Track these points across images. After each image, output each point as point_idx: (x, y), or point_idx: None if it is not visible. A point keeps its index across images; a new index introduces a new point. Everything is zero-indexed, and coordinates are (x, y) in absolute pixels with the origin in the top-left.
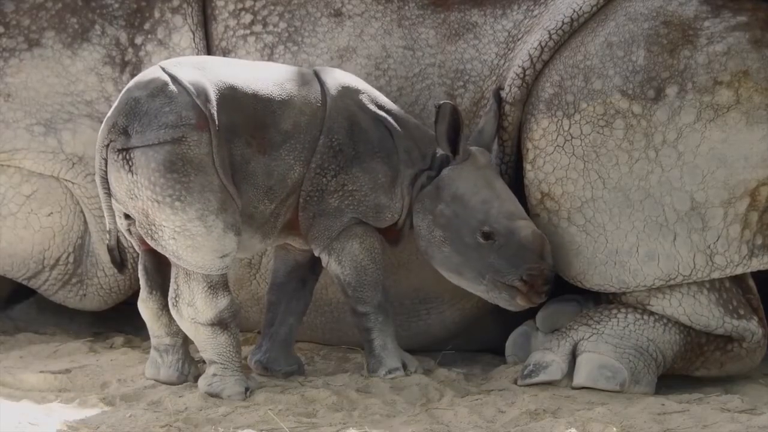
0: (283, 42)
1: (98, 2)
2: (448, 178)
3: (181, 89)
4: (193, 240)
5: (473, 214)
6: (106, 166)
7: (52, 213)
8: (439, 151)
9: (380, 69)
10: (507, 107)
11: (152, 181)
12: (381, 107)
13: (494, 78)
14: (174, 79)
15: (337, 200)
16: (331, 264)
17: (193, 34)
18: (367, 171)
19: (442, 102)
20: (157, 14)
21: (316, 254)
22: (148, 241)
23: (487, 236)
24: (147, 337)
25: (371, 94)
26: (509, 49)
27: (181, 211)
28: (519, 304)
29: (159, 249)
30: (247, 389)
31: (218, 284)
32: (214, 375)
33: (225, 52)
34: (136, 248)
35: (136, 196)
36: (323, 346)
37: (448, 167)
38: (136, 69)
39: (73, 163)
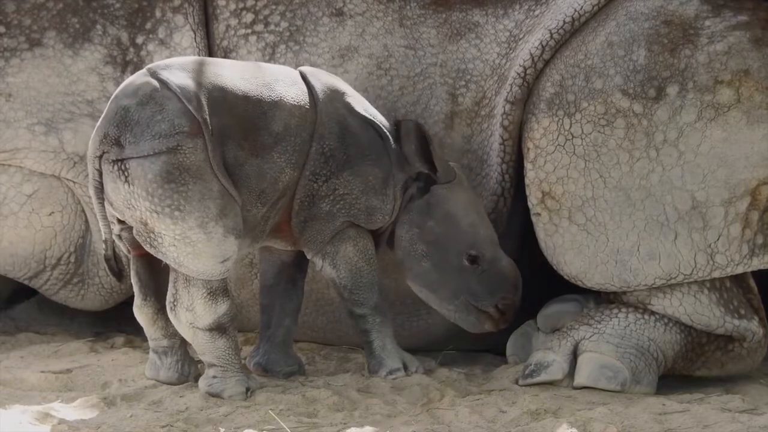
0: (285, 41)
1: (99, 2)
2: (441, 196)
3: (171, 95)
4: (193, 247)
5: (462, 236)
6: (100, 177)
7: (53, 212)
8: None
9: (382, 68)
10: (508, 106)
11: (150, 192)
12: (367, 110)
13: (496, 77)
14: (163, 84)
15: (328, 205)
16: (325, 268)
17: (195, 34)
18: (358, 174)
19: (401, 120)
20: (158, 14)
21: (309, 258)
22: (148, 249)
23: (473, 260)
24: None
25: (357, 97)
26: (511, 49)
27: (181, 220)
28: (485, 328)
29: (159, 256)
30: (247, 389)
31: (218, 290)
32: (215, 377)
33: (226, 52)
34: (126, 254)
35: (134, 207)
36: (324, 346)
37: (439, 185)
38: (138, 69)
39: (75, 163)
